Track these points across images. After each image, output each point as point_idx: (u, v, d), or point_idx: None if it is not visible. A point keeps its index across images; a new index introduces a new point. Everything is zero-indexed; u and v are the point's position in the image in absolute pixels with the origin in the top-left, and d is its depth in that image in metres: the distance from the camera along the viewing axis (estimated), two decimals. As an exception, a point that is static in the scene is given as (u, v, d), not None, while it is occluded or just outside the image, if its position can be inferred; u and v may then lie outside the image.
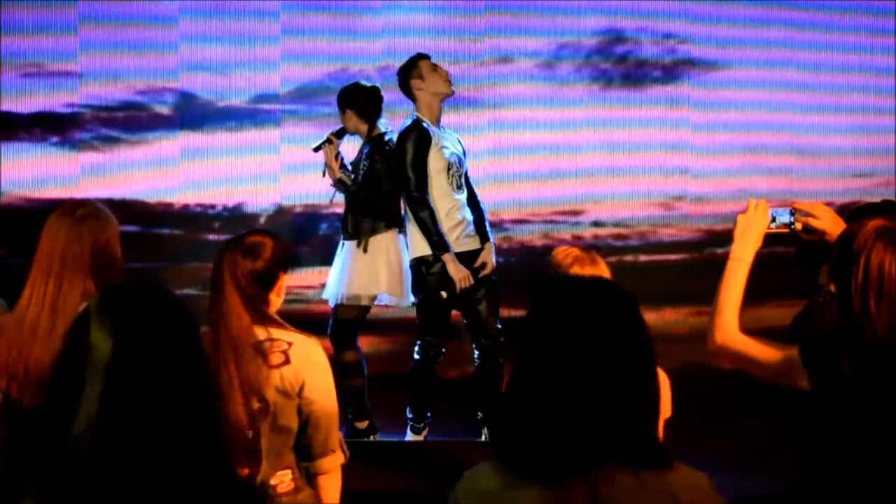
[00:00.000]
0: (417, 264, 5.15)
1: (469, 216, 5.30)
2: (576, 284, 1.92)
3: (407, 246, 5.24)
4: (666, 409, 3.23)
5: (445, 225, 5.15)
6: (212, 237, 6.84)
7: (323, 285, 5.54)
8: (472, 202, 5.36)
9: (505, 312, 5.32)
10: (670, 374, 3.21)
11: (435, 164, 5.16)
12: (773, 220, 2.75)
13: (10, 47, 6.93)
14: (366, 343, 5.63)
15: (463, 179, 5.32)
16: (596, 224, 7.12)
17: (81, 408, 1.61)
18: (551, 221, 7.10)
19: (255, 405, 2.87)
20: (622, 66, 7.14)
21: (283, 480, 2.95)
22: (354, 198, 5.28)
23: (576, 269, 3.25)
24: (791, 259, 3.29)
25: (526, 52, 7.07)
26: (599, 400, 1.73)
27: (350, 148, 5.50)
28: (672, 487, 1.75)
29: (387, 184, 5.22)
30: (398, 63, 5.47)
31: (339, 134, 5.37)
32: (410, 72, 5.28)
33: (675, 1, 7.12)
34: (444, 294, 5.09)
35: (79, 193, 6.72)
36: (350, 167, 5.38)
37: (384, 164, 5.22)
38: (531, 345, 1.80)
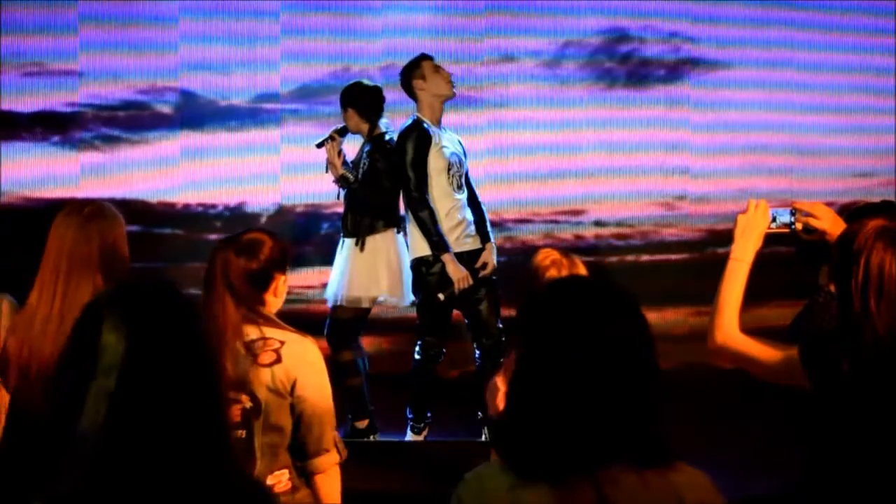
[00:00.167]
0: (418, 264, 5.15)
1: (469, 216, 5.30)
2: (577, 284, 1.92)
3: (407, 246, 5.25)
4: None
5: (445, 225, 5.15)
6: (213, 237, 6.83)
7: (324, 285, 5.54)
8: (473, 202, 5.37)
9: (506, 312, 5.32)
10: (670, 374, 3.21)
11: (435, 164, 5.16)
12: (774, 220, 2.75)
13: (10, 47, 6.94)
14: (366, 343, 5.64)
15: (463, 180, 5.33)
16: (597, 224, 7.12)
17: (87, 407, 1.60)
18: (553, 221, 7.10)
19: (248, 404, 2.86)
20: (622, 67, 7.14)
21: (280, 480, 2.92)
22: (355, 195, 5.29)
23: (552, 273, 3.27)
24: (791, 259, 3.29)
25: (526, 51, 7.08)
26: (603, 399, 1.73)
27: (351, 148, 5.50)
28: (676, 487, 1.76)
29: (386, 181, 5.23)
30: (400, 62, 5.48)
31: (342, 132, 5.38)
32: (413, 72, 5.29)
33: (675, 1, 7.12)
34: (441, 296, 5.09)
35: (79, 193, 6.73)
36: (351, 165, 5.39)
37: (384, 163, 5.23)
38: (535, 345, 1.80)
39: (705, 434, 4.92)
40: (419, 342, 5.24)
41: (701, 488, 1.79)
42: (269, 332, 2.93)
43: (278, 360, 2.89)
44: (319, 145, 5.36)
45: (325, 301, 5.47)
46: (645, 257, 7.14)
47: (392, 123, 5.40)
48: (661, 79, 7.15)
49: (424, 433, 5.28)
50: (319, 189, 6.37)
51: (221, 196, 7.04)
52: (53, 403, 1.67)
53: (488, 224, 5.41)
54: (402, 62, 5.43)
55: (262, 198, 7.05)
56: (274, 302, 3.03)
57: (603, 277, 1.89)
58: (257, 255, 2.96)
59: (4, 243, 6.45)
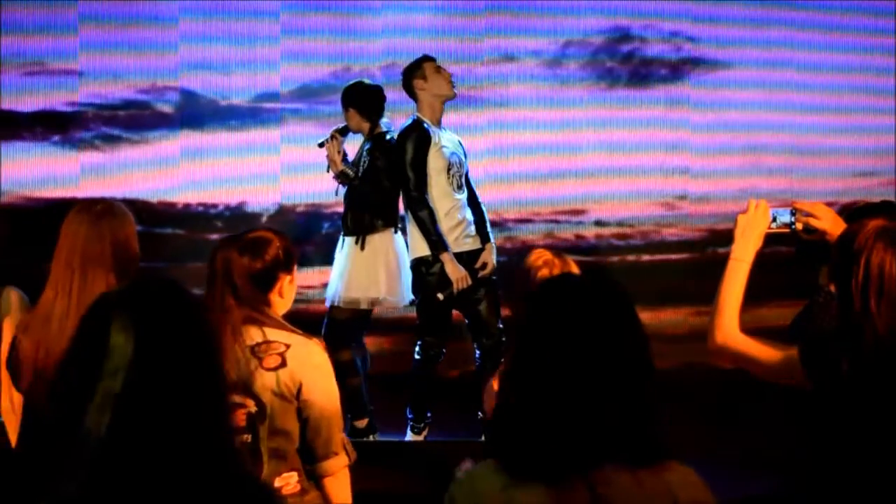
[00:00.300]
0: (417, 264, 5.16)
1: (469, 216, 5.31)
2: (568, 283, 1.92)
3: (407, 246, 5.25)
4: None
5: (445, 225, 5.15)
6: (213, 237, 6.83)
7: (324, 285, 5.55)
8: (473, 203, 5.37)
9: (506, 312, 5.32)
10: (670, 374, 3.21)
11: (435, 164, 5.17)
12: (774, 220, 2.75)
13: (10, 47, 6.93)
14: (367, 343, 5.63)
15: (463, 180, 5.33)
16: (598, 224, 7.12)
17: (92, 409, 1.58)
18: (553, 221, 7.10)
19: (253, 408, 2.80)
20: (623, 67, 7.14)
21: (288, 482, 2.87)
22: (355, 192, 5.29)
23: (544, 273, 3.28)
24: (791, 259, 3.29)
25: (526, 51, 7.08)
26: (596, 398, 1.73)
27: (352, 147, 5.51)
28: (670, 486, 1.76)
29: (386, 179, 5.24)
30: (400, 62, 5.50)
31: (343, 132, 5.40)
32: (414, 72, 5.31)
33: (676, 1, 7.12)
34: (440, 296, 5.09)
35: (79, 193, 6.72)
36: (351, 163, 5.40)
37: (384, 161, 5.24)
38: (528, 344, 1.80)
39: (705, 434, 4.92)
40: (419, 342, 5.24)
41: (693, 486, 1.80)
42: (273, 334, 2.87)
43: (283, 364, 2.84)
44: (321, 145, 5.37)
45: (325, 301, 5.47)
46: (645, 257, 7.13)
47: (392, 123, 5.41)
48: (661, 79, 7.14)
49: (424, 433, 5.28)
50: (320, 189, 6.36)
51: (222, 196, 7.04)
52: (56, 403, 1.65)
53: (488, 224, 5.41)
54: (403, 62, 5.45)
55: (262, 197, 7.04)
56: (280, 303, 2.98)
57: (596, 276, 1.88)
58: (262, 255, 2.91)
59: (5, 243, 6.46)
